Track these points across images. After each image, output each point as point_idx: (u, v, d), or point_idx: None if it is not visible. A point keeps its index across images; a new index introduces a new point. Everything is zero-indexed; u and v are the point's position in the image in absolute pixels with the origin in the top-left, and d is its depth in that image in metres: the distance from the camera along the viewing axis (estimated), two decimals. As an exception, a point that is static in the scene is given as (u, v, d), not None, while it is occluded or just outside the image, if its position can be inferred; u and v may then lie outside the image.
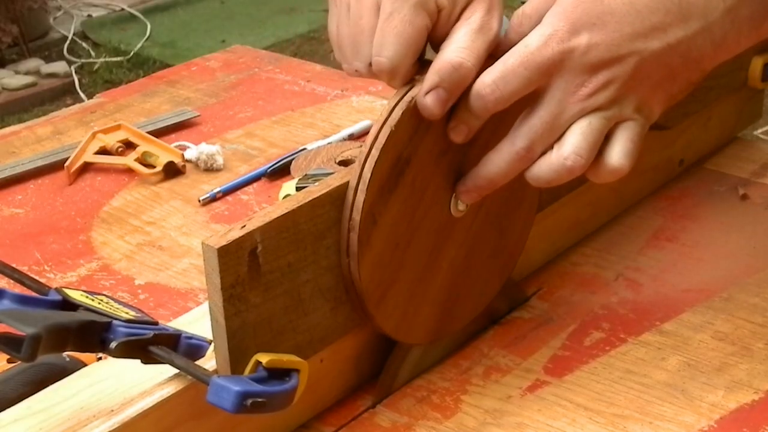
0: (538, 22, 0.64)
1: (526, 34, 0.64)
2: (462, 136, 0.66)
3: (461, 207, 0.70)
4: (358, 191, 0.64)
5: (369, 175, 0.64)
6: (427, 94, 0.64)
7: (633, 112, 0.64)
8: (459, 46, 0.64)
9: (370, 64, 0.65)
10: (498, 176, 0.66)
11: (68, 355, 0.70)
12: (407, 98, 0.65)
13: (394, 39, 0.64)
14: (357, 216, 0.64)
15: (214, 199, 1.01)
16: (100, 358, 0.69)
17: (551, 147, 0.64)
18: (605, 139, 0.64)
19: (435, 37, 0.66)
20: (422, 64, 0.66)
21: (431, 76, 0.64)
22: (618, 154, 0.64)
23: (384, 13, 0.64)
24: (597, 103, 0.63)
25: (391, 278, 0.68)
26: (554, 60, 0.62)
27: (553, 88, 0.63)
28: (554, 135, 0.64)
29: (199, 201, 1.01)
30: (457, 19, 0.65)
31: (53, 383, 0.65)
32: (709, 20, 0.63)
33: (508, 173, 0.66)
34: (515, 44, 0.65)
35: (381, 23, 0.64)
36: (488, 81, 0.63)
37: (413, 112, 0.65)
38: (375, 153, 0.64)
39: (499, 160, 0.65)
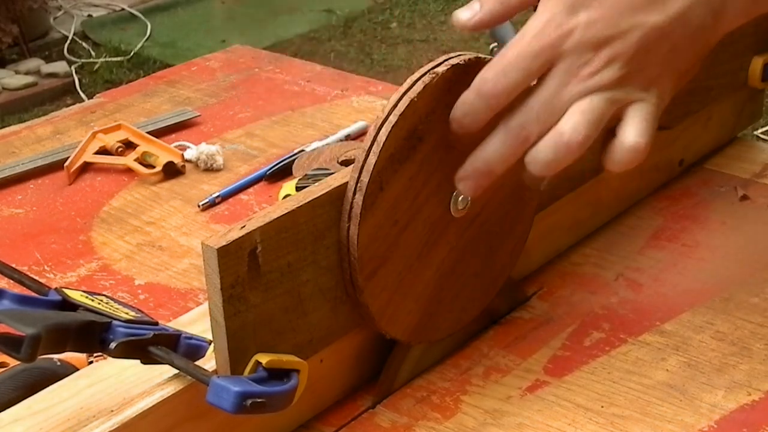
0: None
1: None
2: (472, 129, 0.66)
3: (461, 206, 0.70)
4: (371, 153, 0.64)
5: (384, 138, 0.64)
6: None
7: (641, 91, 0.62)
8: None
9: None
10: (495, 158, 0.64)
11: (59, 359, 0.70)
12: (430, 74, 0.65)
13: None
14: (366, 177, 0.64)
15: (213, 204, 1.01)
16: (91, 362, 0.69)
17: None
18: (618, 124, 0.63)
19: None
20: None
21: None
22: (632, 133, 0.62)
23: None
24: (600, 82, 0.61)
25: (385, 255, 0.67)
26: (553, 44, 0.61)
27: (556, 70, 0.62)
28: (553, 116, 0.62)
29: (199, 206, 1.00)
30: None
31: (44, 388, 0.65)
32: None
33: (504, 155, 0.64)
34: None
35: None
36: (488, 77, 0.62)
37: (434, 89, 0.65)
38: (393, 118, 0.64)
39: (495, 141, 0.64)
